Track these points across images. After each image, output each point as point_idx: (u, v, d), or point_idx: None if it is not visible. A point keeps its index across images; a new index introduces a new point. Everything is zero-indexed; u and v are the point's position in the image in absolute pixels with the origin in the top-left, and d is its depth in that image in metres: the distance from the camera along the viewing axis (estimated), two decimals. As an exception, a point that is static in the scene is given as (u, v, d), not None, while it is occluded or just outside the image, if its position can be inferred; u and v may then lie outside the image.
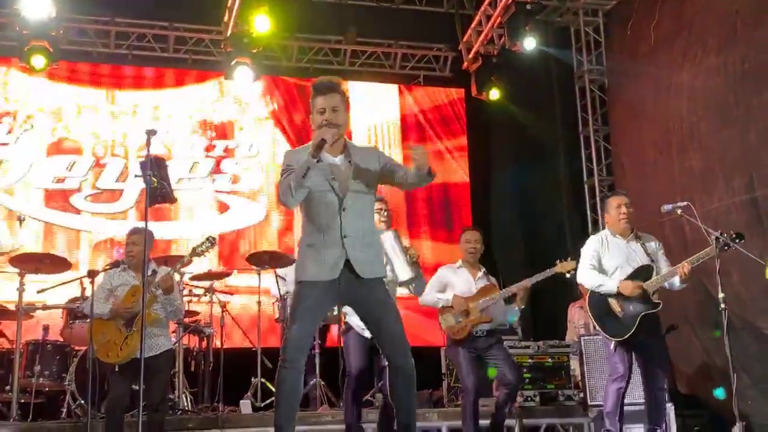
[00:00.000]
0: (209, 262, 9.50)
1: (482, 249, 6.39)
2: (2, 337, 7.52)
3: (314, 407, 7.25)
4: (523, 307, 6.25)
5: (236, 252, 10.08)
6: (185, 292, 7.59)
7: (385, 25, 10.86)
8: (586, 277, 5.78)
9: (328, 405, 7.16)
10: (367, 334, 5.52)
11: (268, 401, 7.44)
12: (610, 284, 5.67)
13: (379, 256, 4.32)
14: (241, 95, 10.57)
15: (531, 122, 10.82)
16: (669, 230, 8.54)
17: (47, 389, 7.24)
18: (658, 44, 9.18)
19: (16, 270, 7.09)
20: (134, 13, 10.14)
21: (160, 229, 9.69)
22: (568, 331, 8.55)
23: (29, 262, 7.25)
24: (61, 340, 7.38)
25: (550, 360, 7.57)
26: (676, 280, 5.69)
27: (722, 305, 5.37)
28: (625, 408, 5.78)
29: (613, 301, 5.67)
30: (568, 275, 6.13)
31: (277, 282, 7.76)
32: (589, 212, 10.57)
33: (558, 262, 6.18)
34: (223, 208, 10.42)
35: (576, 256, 6.02)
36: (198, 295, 7.89)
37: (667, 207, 5.77)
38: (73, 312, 7.28)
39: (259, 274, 7.80)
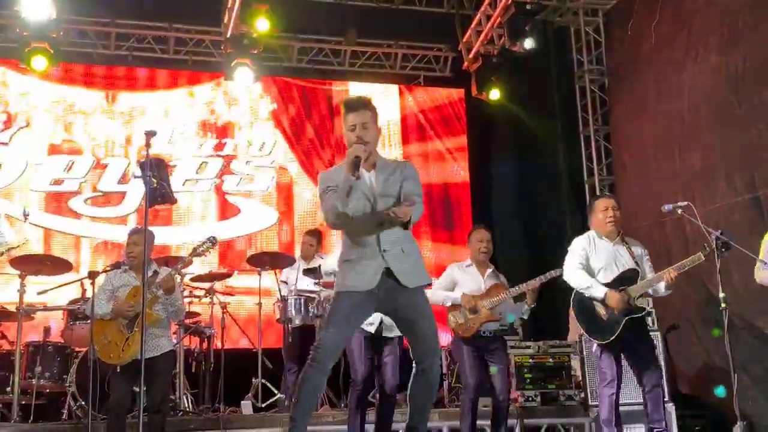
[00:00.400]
0: (210, 263, 9.50)
1: (492, 248, 6.39)
2: (3, 338, 7.52)
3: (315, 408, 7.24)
4: (533, 305, 6.23)
5: (237, 253, 10.06)
6: (186, 293, 7.59)
7: (385, 25, 10.86)
8: (575, 276, 5.71)
9: (329, 405, 7.16)
10: (370, 328, 5.52)
11: (269, 402, 7.45)
12: (597, 290, 5.60)
13: (420, 263, 4.36)
14: (241, 96, 10.56)
15: (531, 122, 10.81)
16: (670, 230, 8.55)
17: (48, 390, 7.23)
18: (658, 43, 9.18)
19: (17, 272, 7.09)
20: (134, 15, 10.14)
21: (167, 235, 9.72)
22: (570, 332, 8.54)
23: (30, 264, 7.25)
24: (62, 341, 7.37)
25: (551, 360, 7.56)
26: (662, 286, 5.65)
27: (723, 305, 5.36)
28: (625, 408, 5.78)
29: (597, 304, 5.63)
30: None
31: (279, 286, 7.77)
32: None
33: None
34: (231, 211, 10.34)
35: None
36: (199, 296, 7.89)
37: (667, 207, 5.75)
38: (73, 313, 7.28)
39: (259, 274, 7.80)
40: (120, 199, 10.03)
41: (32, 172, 9.80)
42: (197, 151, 10.34)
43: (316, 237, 8.16)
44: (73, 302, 7.49)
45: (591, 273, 5.72)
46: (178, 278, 5.82)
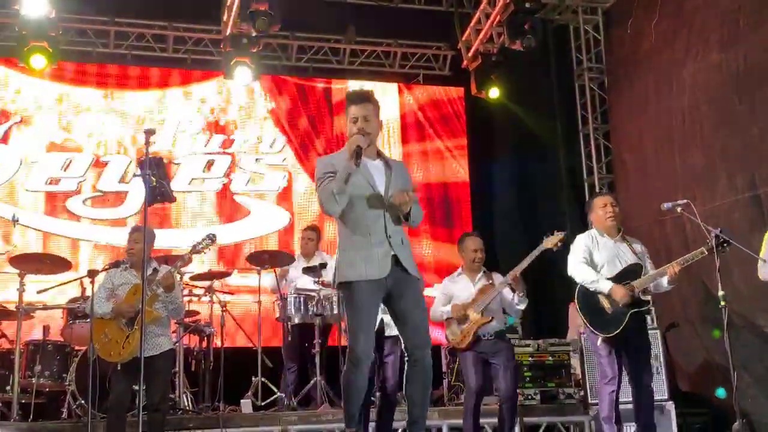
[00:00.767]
0: (209, 262, 9.50)
1: (485, 255, 6.38)
2: (3, 337, 7.51)
3: (315, 406, 7.25)
4: (522, 294, 6.16)
5: (237, 252, 10.06)
6: (185, 291, 7.59)
7: (384, 24, 10.85)
8: (580, 271, 5.72)
9: (329, 404, 7.16)
10: None
11: (269, 400, 7.44)
12: (603, 284, 5.62)
13: (412, 255, 4.46)
14: (241, 95, 10.55)
15: (530, 120, 10.81)
16: (670, 228, 8.54)
17: (48, 389, 7.23)
18: (658, 42, 9.18)
19: (17, 270, 7.09)
20: (133, 13, 10.13)
21: (175, 238, 9.56)
22: (569, 330, 8.55)
23: (29, 263, 7.25)
24: (62, 340, 7.37)
25: (550, 358, 7.57)
26: (664, 281, 5.67)
27: (722, 303, 5.37)
28: (626, 407, 5.78)
29: (602, 298, 5.65)
30: (555, 249, 6.03)
31: (278, 282, 7.76)
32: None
33: (545, 236, 6.10)
34: (240, 212, 10.22)
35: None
36: (198, 295, 7.89)
37: (667, 205, 5.77)
38: (73, 312, 7.28)
39: (259, 273, 7.80)
40: (121, 199, 9.88)
41: (27, 170, 9.64)
42: (204, 148, 10.28)
43: (315, 232, 8.17)
44: (72, 301, 7.49)
45: (594, 269, 5.73)
46: (177, 276, 5.81)
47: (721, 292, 5.38)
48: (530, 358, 7.53)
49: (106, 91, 10.15)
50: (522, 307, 6.28)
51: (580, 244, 5.84)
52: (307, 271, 7.54)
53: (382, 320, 5.56)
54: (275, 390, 7.58)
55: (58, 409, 7.06)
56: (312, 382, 7.40)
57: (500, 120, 11.03)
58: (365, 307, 4.23)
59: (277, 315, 7.86)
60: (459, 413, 6.68)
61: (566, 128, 10.92)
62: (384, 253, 4.22)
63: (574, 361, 7.61)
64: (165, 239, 9.10)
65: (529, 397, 7.36)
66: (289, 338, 7.65)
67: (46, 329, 7.46)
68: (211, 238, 5.77)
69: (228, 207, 10.25)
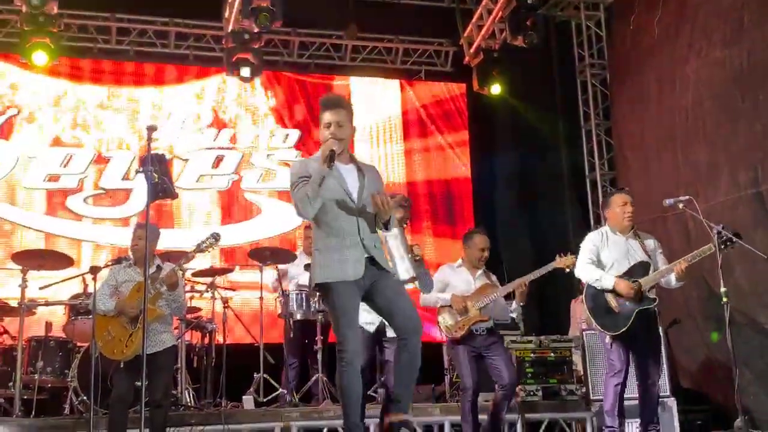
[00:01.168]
0: (211, 258, 9.49)
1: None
2: (5, 333, 7.52)
3: (316, 402, 7.26)
4: (522, 304, 6.23)
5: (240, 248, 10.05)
6: (187, 288, 7.58)
7: (386, 20, 10.84)
8: (585, 270, 5.79)
9: (331, 400, 7.16)
10: (371, 328, 5.52)
11: (271, 396, 7.45)
12: (607, 280, 5.67)
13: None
14: (242, 91, 10.54)
15: (532, 117, 10.81)
16: (672, 225, 8.53)
17: (50, 385, 7.23)
18: (661, 38, 9.16)
19: (19, 267, 7.09)
20: (135, 9, 10.12)
21: (182, 238, 9.28)
22: (571, 326, 8.55)
23: (31, 259, 7.25)
24: (64, 336, 7.38)
25: (552, 355, 7.56)
26: (672, 278, 5.70)
27: (724, 299, 5.37)
28: (631, 402, 5.79)
29: (609, 296, 5.68)
30: (567, 270, 6.11)
31: (279, 279, 7.76)
32: (591, 206, 10.57)
33: (558, 256, 6.17)
34: (251, 211, 10.11)
35: (578, 251, 6.02)
36: (200, 291, 7.89)
37: (669, 201, 5.77)
38: (75, 308, 7.28)
39: (261, 269, 7.79)
40: (125, 197, 9.77)
41: (24, 167, 9.50)
42: (212, 143, 10.24)
43: None
44: (74, 297, 7.49)
45: (602, 268, 5.77)
46: (180, 274, 5.82)
47: (723, 289, 5.38)
48: (532, 355, 7.52)
49: (108, 86, 10.14)
50: (514, 315, 6.35)
51: (588, 244, 5.88)
52: (308, 268, 7.53)
53: (381, 321, 5.56)
54: (277, 386, 7.58)
55: (60, 406, 7.06)
56: (314, 378, 7.41)
57: (502, 116, 11.03)
58: (346, 306, 4.31)
59: (279, 311, 7.87)
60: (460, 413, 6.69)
61: (568, 124, 10.93)
62: (358, 256, 4.32)
63: (576, 358, 7.61)
64: (172, 240, 8.78)
65: (531, 393, 7.34)
66: (291, 334, 7.66)
67: (48, 325, 7.46)
68: (215, 237, 5.77)
69: (238, 205, 10.18)
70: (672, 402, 7.04)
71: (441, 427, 7.18)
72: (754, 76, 7.68)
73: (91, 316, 6.15)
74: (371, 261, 4.35)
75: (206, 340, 7.86)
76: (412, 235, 10.35)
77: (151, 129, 5.11)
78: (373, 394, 7.25)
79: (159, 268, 5.77)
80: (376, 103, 11.00)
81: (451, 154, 11.09)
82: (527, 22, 9.32)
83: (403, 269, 5.22)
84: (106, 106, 10.06)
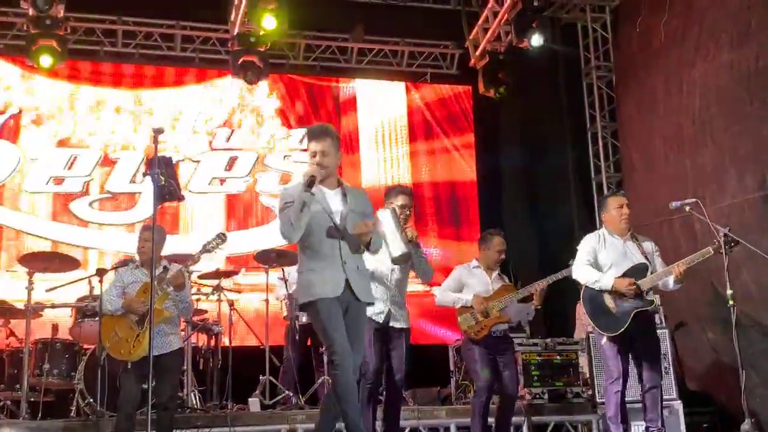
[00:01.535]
0: (216, 260, 9.48)
1: None
2: (12, 335, 7.53)
3: (322, 405, 7.25)
4: (540, 306, 6.29)
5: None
6: (193, 290, 7.59)
7: (392, 22, 10.84)
8: (582, 272, 5.77)
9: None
10: (381, 318, 5.53)
11: (277, 399, 7.45)
12: (605, 280, 5.65)
13: (368, 281, 4.87)
14: (248, 93, 10.55)
15: (538, 119, 10.80)
16: (679, 228, 8.52)
17: (56, 388, 7.26)
18: (668, 40, 9.15)
19: (25, 269, 7.10)
20: (141, 12, 10.14)
21: (191, 244, 9.30)
22: (577, 329, 8.54)
23: (38, 261, 7.27)
24: (70, 338, 7.39)
25: (558, 357, 7.56)
26: (671, 280, 5.67)
27: (731, 302, 5.36)
28: (633, 406, 5.77)
29: (607, 297, 5.66)
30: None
31: (285, 283, 7.77)
32: (597, 208, 10.54)
33: (571, 262, 6.15)
34: (267, 215, 9.97)
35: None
36: (206, 294, 7.89)
37: (675, 204, 5.76)
38: (82, 310, 7.29)
39: (266, 272, 7.79)
40: (133, 201, 9.66)
41: (27, 169, 9.40)
42: (205, 147, 10.21)
43: None
44: (81, 299, 7.50)
45: (600, 270, 5.74)
46: (187, 275, 5.83)
47: (729, 292, 5.37)
48: (538, 357, 7.52)
49: (115, 89, 10.13)
50: (530, 318, 6.40)
51: (586, 246, 5.86)
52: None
53: (390, 310, 5.57)
54: (283, 388, 7.58)
55: (67, 408, 7.07)
56: (319, 380, 7.41)
57: (508, 118, 11.03)
58: (332, 314, 4.50)
59: (285, 314, 7.86)
60: (467, 412, 6.68)
61: (574, 126, 10.92)
62: (338, 279, 4.54)
63: (582, 360, 7.60)
64: (182, 245, 8.59)
65: (537, 396, 7.34)
66: (297, 337, 7.67)
67: (54, 328, 7.49)
68: (222, 238, 5.78)
69: (254, 210, 10.11)
70: (678, 404, 7.03)
71: (447, 429, 7.17)
72: (761, 79, 7.67)
73: (97, 318, 6.16)
74: (347, 283, 4.55)
75: (212, 343, 7.86)
76: (418, 236, 10.34)
77: (158, 131, 5.13)
78: (381, 397, 7.26)
79: (166, 269, 5.79)
80: (381, 105, 11.01)
81: (457, 156, 11.08)
82: (533, 24, 9.31)
83: (395, 246, 5.23)
84: (113, 109, 10.03)
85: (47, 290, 7.22)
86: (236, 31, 9.23)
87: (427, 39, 11.20)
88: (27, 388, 6.80)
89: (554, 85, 11.08)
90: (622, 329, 5.56)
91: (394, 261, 5.30)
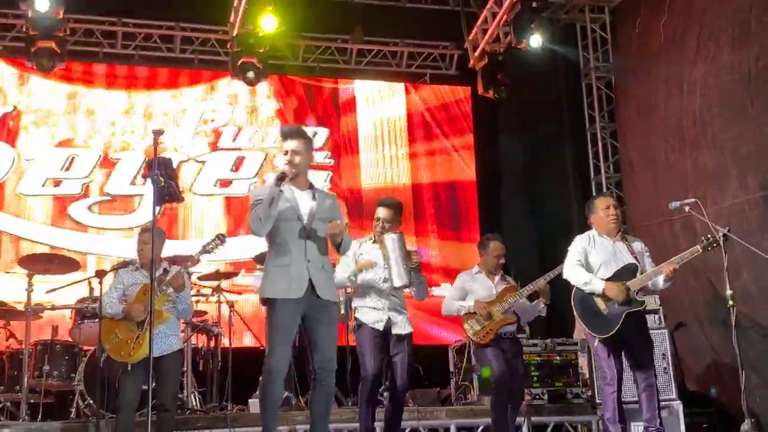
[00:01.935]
0: (217, 261, 9.46)
1: None
2: (11, 337, 7.54)
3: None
4: (548, 303, 6.29)
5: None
6: (193, 291, 7.59)
7: (391, 23, 10.84)
8: (573, 273, 5.75)
9: (336, 404, 7.17)
10: (380, 326, 5.53)
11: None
12: (596, 284, 5.62)
13: (333, 281, 4.98)
14: (248, 95, 10.54)
15: (537, 120, 10.80)
16: (679, 228, 8.52)
17: (56, 389, 7.26)
18: (667, 41, 9.14)
19: (25, 270, 7.10)
20: (140, 14, 10.14)
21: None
22: (576, 330, 8.52)
23: (38, 263, 7.28)
24: (70, 340, 7.39)
25: (558, 358, 7.57)
26: (660, 280, 5.65)
27: (730, 302, 5.36)
28: (631, 406, 5.77)
29: (598, 299, 5.64)
30: None
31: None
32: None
33: None
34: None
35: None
36: (206, 295, 7.90)
37: (674, 204, 5.77)
38: (81, 312, 7.29)
39: (266, 273, 7.78)
40: (134, 204, 9.56)
41: (22, 171, 9.30)
42: (205, 149, 10.18)
43: None
44: (81, 301, 7.50)
45: (590, 270, 5.74)
46: (187, 276, 5.84)
47: (729, 292, 5.37)
48: (538, 358, 7.53)
49: (114, 90, 10.11)
50: (543, 314, 6.41)
51: (577, 246, 5.85)
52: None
53: (389, 318, 5.57)
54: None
55: (67, 409, 7.09)
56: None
57: (507, 119, 11.03)
58: (283, 324, 4.67)
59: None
60: (467, 412, 6.70)
61: (573, 127, 10.91)
62: (301, 277, 4.66)
63: (582, 361, 7.60)
64: (186, 251, 8.49)
65: (537, 396, 7.35)
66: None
67: (54, 329, 7.49)
68: (221, 239, 5.79)
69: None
70: (678, 405, 7.03)
71: (447, 430, 7.17)
72: (762, 81, 7.66)
73: (97, 320, 6.16)
74: (310, 282, 4.66)
75: (212, 344, 7.86)
76: (417, 238, 10.36)
77: (158, 133, 5.14)
78: (381, 399, 7.26)
79: (166, 270, 5.79)
80: (381, 106, 11.01)
81: (456, 157, 11.08)
82: (532, 25, 9.32)
83: (396, 275, 5.33)
84: (112, 110, 10.00)
85: (47, 292, 7.24)
86: (235, 32, 9.24)
87: (427, 40, 11.21)
88: (27, 389, 6.81)
89: (553, 86, 11.07)
90: (614, 331, 5.55)
91: (396, 290, 5.51)
